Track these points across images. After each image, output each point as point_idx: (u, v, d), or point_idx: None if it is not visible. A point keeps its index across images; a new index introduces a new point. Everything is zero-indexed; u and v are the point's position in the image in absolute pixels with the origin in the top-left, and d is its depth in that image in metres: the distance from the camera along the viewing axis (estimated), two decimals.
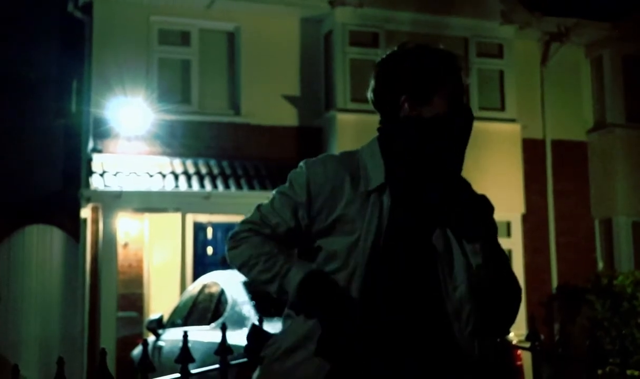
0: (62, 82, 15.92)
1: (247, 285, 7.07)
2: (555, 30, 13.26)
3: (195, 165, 11.45)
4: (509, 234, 12.47)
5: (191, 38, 12.09)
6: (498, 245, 2.05)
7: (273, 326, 5.89)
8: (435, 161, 2.00)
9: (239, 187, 11.21)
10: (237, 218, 11.64)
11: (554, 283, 12.98)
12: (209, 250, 12.43)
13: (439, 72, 2.03)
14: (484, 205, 2.03)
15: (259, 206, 2.17)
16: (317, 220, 2.07)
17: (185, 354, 2.95)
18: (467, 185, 2.04)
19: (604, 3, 13.27)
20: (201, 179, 11.21)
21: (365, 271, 2.00)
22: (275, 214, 2.12)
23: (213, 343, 3.47)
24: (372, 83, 2.12)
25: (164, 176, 11.09)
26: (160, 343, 8.20)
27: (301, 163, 2.14)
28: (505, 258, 2.06)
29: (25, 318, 13.81)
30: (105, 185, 10.70)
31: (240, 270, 2.15)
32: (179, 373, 2.98)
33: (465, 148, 2.04)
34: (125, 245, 11.34)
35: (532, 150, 13.09)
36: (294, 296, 2.02)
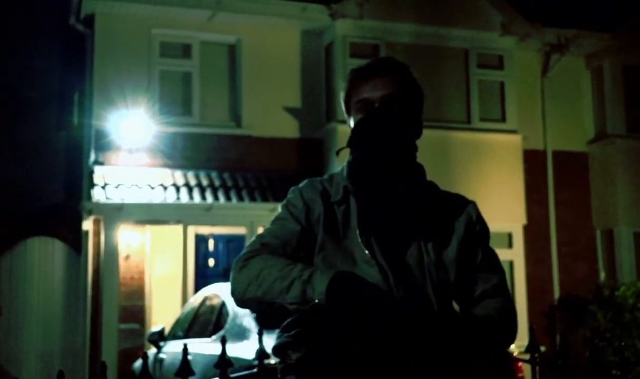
0: (64, 94, 15.95)
1: None
2: (555, 41, 13.29)
3: (197, 176, 11.46)
4: (510, 245, 12.46)
5: (192, 50, 12.12)
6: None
7: (274, 339, 5.89)
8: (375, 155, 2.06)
9: (240, 198, 11.22)
10: (238, 230, 11.67)
11: (556, 293, 12.96)
12: (211, 262, 12.44)
13: (347, 88, 2.20)
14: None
15: (257, 237, 2.15)
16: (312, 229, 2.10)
17: (185, 367, 2.95)
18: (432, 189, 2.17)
19: (604, 14, 13.31)
20: (203, 191, 11.22)
21: None
22: (278, 233, 2.09)
23: (214, 356, 3.46)
24: None
25: (165, 188, 11.10)
26: (162, 355, 8.20)
27: (291, 189, 2.20)
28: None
29: (27, 330, 13.78)
30: (106, 197, 10.71)
31: (247, 289, 1.99)
32: None
33: (397, 139, 2.08)
34: (127, 257, 11.34)
35: (533, 161, 13.09)
36: (323, 298, 1.86)
